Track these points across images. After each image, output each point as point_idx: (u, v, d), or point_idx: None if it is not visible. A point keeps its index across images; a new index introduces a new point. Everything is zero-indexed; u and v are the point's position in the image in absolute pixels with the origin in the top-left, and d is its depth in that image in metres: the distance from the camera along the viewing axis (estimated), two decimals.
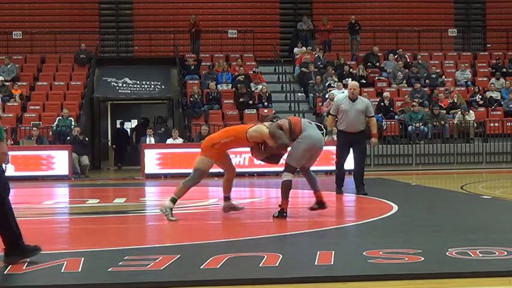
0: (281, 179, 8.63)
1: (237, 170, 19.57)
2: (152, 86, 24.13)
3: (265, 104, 22.91)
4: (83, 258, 5.67)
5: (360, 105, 11.38)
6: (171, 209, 8.46)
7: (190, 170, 21.00)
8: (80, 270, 5.32)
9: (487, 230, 7.29)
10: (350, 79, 23.75)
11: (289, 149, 8.61)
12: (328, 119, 11.90)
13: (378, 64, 26.09)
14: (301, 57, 25.55)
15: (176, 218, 8.49)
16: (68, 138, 20.03)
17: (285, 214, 8.47)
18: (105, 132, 25.60)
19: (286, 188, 8.55)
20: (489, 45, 28.79)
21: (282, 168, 8.80)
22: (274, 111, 22.63)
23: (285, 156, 8.77)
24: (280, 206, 8.57)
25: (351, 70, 24.94)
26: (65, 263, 5.51)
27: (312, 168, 8.93)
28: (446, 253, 5.70)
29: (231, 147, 8.70)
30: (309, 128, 8.59)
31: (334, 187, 12.05)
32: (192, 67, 25.13)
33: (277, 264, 5.40)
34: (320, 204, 8.78)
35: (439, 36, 27.98)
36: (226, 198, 8.97)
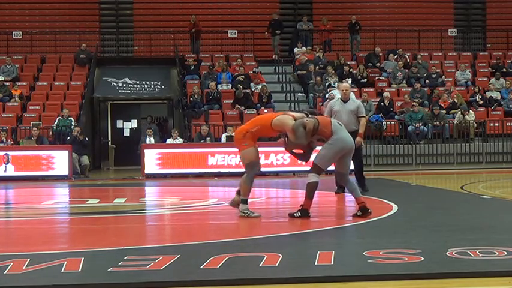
0: (307, 179, 8.57)
1: (237, 170, 19.67)
2: (152, 86, 24.13)
3: (266, 104, 22.91)
4: (82, 258, 5.67)
5: (351, 106, 11.78)
6: (248, 208, 8.65)
7: (190, 170, 21.09)
8: (79, 270, 5.32)
9: (487, 230, 7.29)
10: (350, 79, 23.78)
11: (318, 148, 8.67)
12: None
13: (378, 64, 26.09)
14: (300, 58, 25.57)
15: (259, 214, 8.67)
16: (68, 138, 20.03)
17: (308, 214, 8.44)
18: (105, 132, 25.59)
19: (311, 188, 8.50)
20: (489, 45, 28.78)
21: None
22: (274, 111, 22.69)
23: (313, 157, 8.77)
24: (302, 206, 8.50)
25: (351, 70, 24.93)
26: (65, 263, 5.51)
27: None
28: (446, 253, 5.70)
29: (260, 135, 8.78)
30: (339, 130, 8.59)
31: (334, 187, 12.08)
32: (192, 67, 25.13)
33: (277, 264, 5.40)
34: (363, 210, 8.48)
35: (439, 36, 27.98)
36: (239, 192, 8.90)
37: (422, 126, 22.06)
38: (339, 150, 8.47)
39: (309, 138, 8.56)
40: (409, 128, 22.03)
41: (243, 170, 9.01)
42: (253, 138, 8.68)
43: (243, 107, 22.55)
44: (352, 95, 12.72)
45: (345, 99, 11.83)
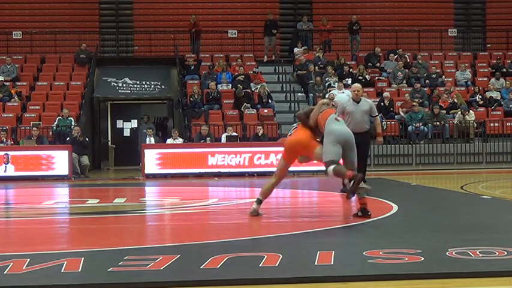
0: (328, 176, 8.32)
1: (237, 170, 19.66)
2: (152, 86, 24.13)
3: (265, 104, 22.92)
4: (83, 258, 5.67)
5: (365, 106, 11.78)
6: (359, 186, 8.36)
7: (190, 170, 21.07)
8: (79, 270, 5.32)
9: (487, 230, 7.29)
10: (350, 79, 23.79)
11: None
12: None
13: (378, 64, 26.09)
14: (299, 59, 25.56)
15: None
16: (68, 138, 20.03)
17: (358, 178, 8.10)
18: (105, 132, 25.60)
19: (338, 171, 8.19)
20: (489, 45, 28.78)
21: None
22: (274, 111, 22.69)
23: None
24: (349, 179, 8.15)
25: (351, 70, 24.93)
26: (65, 263, 5.51)
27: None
28: (446, 253, 5.70)
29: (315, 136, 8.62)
30: (331, 123, 8.39)
31: (335, 187, 12.09)
32: (192, 67, 25.13)
33: (277, 264, 5.40)
34: (364, 212, 8.41)
35: (439, 36, 27.98)
36: (260, 201, 8.71)
37: (422, 126, 22.06)
38: (333, 139, 8.23)
39: (314, 124, 8.54)
40: (409, 128, 22.03)
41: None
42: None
43: (249, 105, 22.56)
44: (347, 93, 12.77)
45: (357, 100, 11.81)
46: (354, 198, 10.31)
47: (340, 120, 8.69)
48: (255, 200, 8.88)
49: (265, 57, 26.59)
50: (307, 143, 8.52)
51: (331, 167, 8.20)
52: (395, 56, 26.03)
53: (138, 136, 23.85)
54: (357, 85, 12.44)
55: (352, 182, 8.11)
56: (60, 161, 18.68)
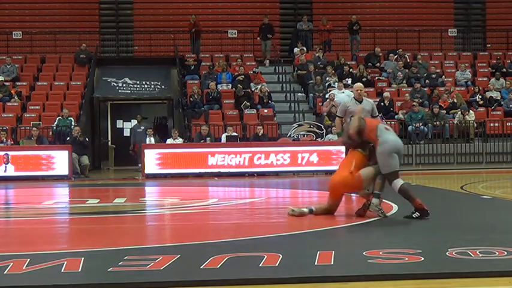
0: (394, 189, 8.46)
1: (237, 170, 19.64)
2: (152, 86, 24.13)
3: (266, 104, 22.91)
4: (83, 258, 5.67)
5: (367, 106, 11.61)
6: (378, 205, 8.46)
7: (190, 170, 21.05)
8: (79, 270, 5.32)
9: (487, 230, 7.30)
10: (350, 79, 23.78)
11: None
12: (336, 122, 11.91)
13: (378, 64, 26.09)
14: (299, 58, 25.55)
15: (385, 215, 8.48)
16: (68, 138, 20.03)
17: (427, 212, 8.30)
18: (105, 132, 25.60)
19: (405, 191, 8.47)
20: (489, 45, 28.78)
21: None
22: (274, 111, 22.68)
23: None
24: (416, 208, 8.36)
25: (351, 70, 24.93)
26: (65, 263, 5.51)
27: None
28: (446, 253, 5.70)
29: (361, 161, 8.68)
30: (384, 133, 8.58)
31: None
32: (192, 67, 25.14)
33: (277, 264, 5.40)
34: (364, 207, 8.67)
35: (439, 36, 27.98)
36: (311, 211, 8.77)
37: (422, 126, 22.06)
38: (389, 150, 8.42)
39: (355, 137, 8.65)
40: (409, 128, 22.03)
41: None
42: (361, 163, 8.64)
43: (249, 103, 22.55)
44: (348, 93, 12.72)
45: (359, 99, 11.73)
46: (354, 198, 10.33)
47: (389, 129, 8.82)
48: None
49: (267, 61, 26.56)
50: (345, 181, 8.59)
51: (400, 183, 8.40)
52: (395, 56, 26.03)
53: (132, 136, 23.30)
54: (360, 84, 12.34)
55: (417, 213, 8.29)
56: (60, 161, 18.67)
